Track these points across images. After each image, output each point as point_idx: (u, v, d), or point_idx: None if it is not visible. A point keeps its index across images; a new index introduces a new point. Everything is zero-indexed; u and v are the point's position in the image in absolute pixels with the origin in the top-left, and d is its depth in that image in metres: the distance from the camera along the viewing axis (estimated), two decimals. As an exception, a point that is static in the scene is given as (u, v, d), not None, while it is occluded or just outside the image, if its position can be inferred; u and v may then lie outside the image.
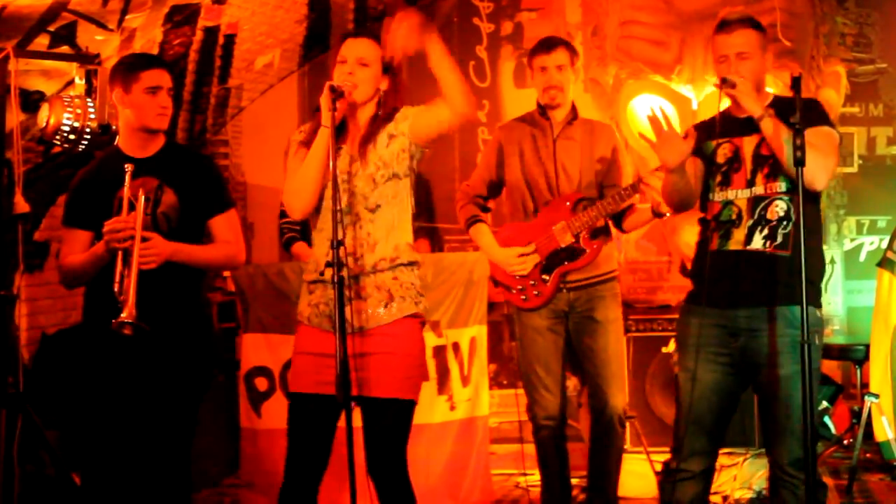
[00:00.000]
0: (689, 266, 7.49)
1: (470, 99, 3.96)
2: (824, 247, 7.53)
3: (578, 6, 7.91)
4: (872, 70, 7.55)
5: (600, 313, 5.36)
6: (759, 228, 4.19)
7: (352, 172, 3.99)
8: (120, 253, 4.31)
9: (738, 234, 4.22)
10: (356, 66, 3.99)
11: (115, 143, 4.64)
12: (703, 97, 7.40)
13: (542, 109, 5.43)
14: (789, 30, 7.31)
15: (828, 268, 7.52)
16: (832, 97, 7.44)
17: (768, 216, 4.19)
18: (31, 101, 5.57)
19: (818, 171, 4.09)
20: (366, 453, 4.00)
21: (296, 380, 4.05)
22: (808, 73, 7.30)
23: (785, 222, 4.18)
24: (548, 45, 5.41)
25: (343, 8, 7.84)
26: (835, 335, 7.47)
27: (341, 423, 3.91)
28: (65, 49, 5.83)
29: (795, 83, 4.07)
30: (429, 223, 6.68)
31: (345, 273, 3.80)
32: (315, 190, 3.97)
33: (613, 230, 5.51)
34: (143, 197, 4.39)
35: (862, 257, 7.60)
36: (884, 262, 6.31)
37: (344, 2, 7.77)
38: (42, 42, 5.90)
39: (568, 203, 5.35)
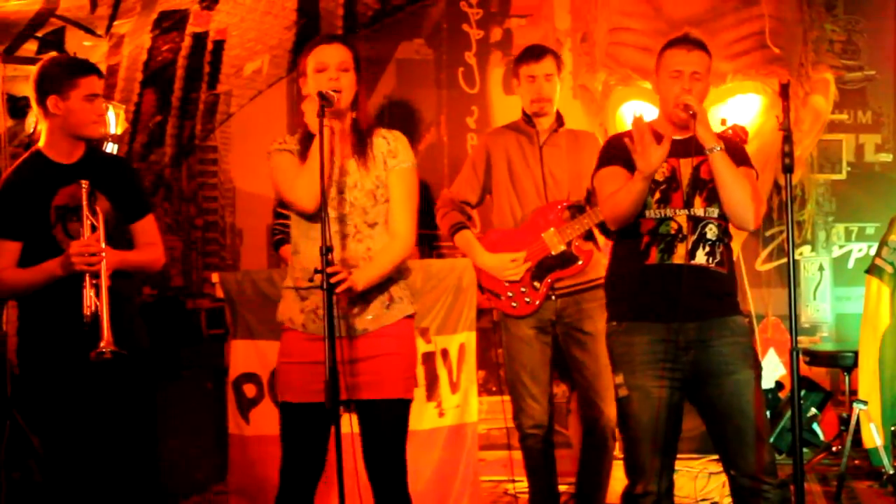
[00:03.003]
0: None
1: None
2: (813, 253, 7.56)
3: (568, 13, 7.90)
4: (861, 77, 7.57)
5: (589, 325, 5.33)
6: (702, 245, 4.24)
7: (349, 184, 3.98)
8: (87, 276, 4.26)
9: (681, 249, 4.23)
10: (339, 72, 3.97)
11: (36, 148, 4.53)
12: (691, 104, 7.40)
13: (528, 117, 5.43)
14: (778, 36, 7.31)
15: (816, 275, 7.54)
16: (821, 104, 7.45)
17: (708, 235, 4.25)
18: (19, 107, 5.57)
19: (751, 212, 4.18)
20: (366, 458, 4.01)
21: (290, 389, 4.02)
22: (797, 79, 7.30)
23: (719, 243, 4.27)
24: (536, 53, 5.41)
25: (332, 14, 7.84)
26: (823, 342, 7.47)
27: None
28: (53, 55, 5.82)
29: (784, 90, 4.09)
30: (419, 230, 6.67)
31: (342, 278, 3.80)
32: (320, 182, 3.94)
33: (601, 238, 5.49)
34: (102, 214, 4.35)
35: (850, 264, 7.60)
36: (872, 269, 6.32)
37: (333, 8, 7.77)
38: (30, 48, 5.91)
39: (557, 209, 5.33)
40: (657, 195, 4.27)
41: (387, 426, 4.01)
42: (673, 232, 4.24)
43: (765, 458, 4.18)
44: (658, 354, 4.24)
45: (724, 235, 4.29)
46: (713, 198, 4.24)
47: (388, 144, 4.04)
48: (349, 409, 4.00)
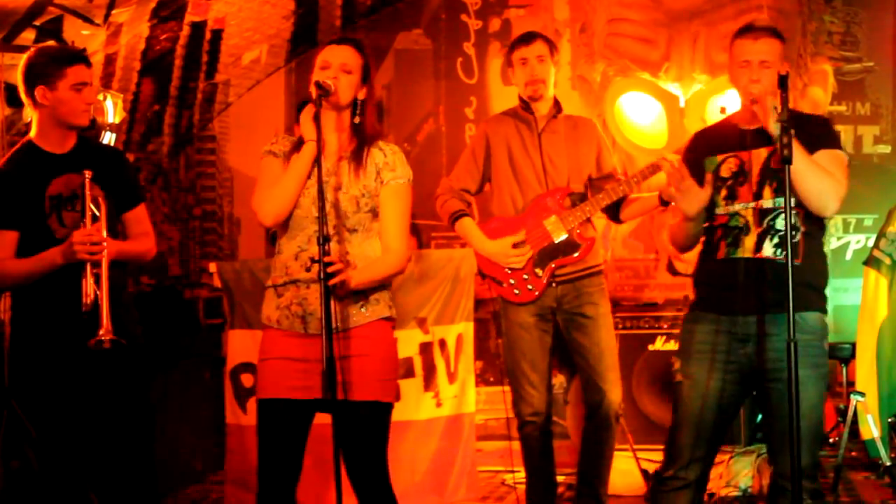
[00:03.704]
0: (675, 265, 7.56)
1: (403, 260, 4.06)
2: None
3: (566, 3, 7.94)
4: (859, 68, 7.58)
5: (590, 309, 5.33)
6: (769, 237, 4.16)
7: (333, 185, 3.96)
8: (88, 265, 4.27)
9: (748, 242, 4.17)
10: (339, 71, 3.95)
11: (28, 139, 4.53)
12: (691, 94, 7.43)
13: (526, 104, 5.42)
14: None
15: (814, 266, 7.55)
16: (819, 95, 7.46)
17: (777, 226, 4.16)
18: (17, 96, 5.56)
19: (830, 198, 4.07)
20: (344, 460, 3.91)
21: (266, 386, 3.97)
22: (796, 71, 7.32)
23: (793, 232, 4.15)
24: (526, 38, 5.42)
25: (330, 3, 7.85)
26: (821, 333, 7.48)
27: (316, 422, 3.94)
28: (51, 43, 5.83)
29: (782, 81, 4.07)
30: (415, 220, 6.69)
31: (338, 269, 3.78)
32: (291, 199, 3.94)
33: (602, 222, 5.46)
34: (104, 205, 4.36)
35: (848, 256, 7.62)
36: (870, 261, 6.32)
37: (331, -3, 7.82)
38: (28, 36, 5.92)
39: (558, 197, 5.33)
40: (724, 192, 4.23)
41: (359, 428, 3.91)
42: (741, 225, 4.20)
43: (802, 460, 4.00)
44: (716, 346, 4.20)
45: (805, 224, 4.17)
46: (784, 188, 4.11)
47: (385, 157, 4.02)
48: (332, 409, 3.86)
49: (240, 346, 6.07)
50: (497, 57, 7.99)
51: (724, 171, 4.24)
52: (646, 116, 7.61)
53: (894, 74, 7.39)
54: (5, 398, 5.01)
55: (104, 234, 4.31)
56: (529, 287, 5.31)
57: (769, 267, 4.14)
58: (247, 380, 6.05)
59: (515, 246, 5.30)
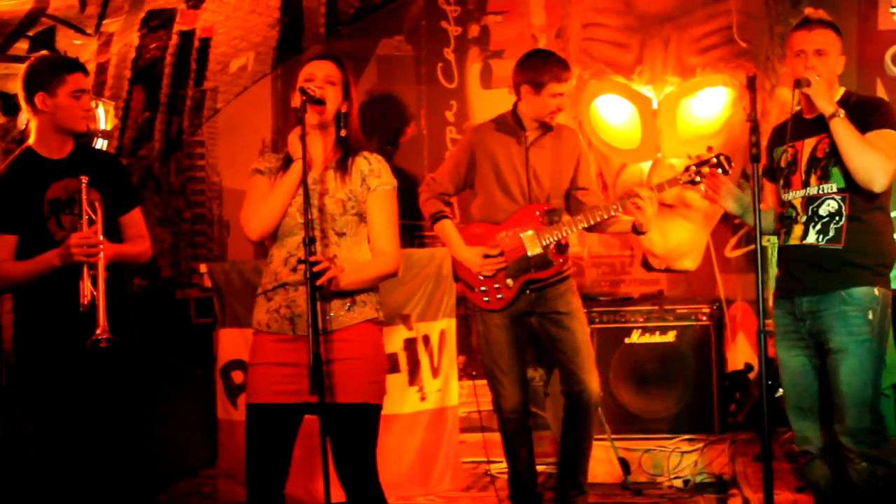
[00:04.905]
0: (649, 260, 7.69)
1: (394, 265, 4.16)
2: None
3: (542, 9, 8.00)
4: (825, 70, 7.67)
5: (563, 306, 5.43)
6: (813, 224, 4.41)
7: (318, 192, 4.05)
8: (85, 267, 4.38)
9: (797, 230, 4.45)
10: (325, 83, 4.07)
11: (27, 145, 4.65)
12: (663, 96, 7.50)
13: (518, 118, 5.45)
14: (745, 31, 7.40)
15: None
16: (787, 96, 7.55)
17: (820, 212, 4.40)
18: (12, 105, 5.63)
19: (877, 172, 4.28)
20: (334, 460, 3.97)
21: (255, 391, 4.02)
22: (764, 73, 7.40)
23: (837, 217, 4.39)
24: (565, 67, 5.40)
25: (315, 12, 7.88)
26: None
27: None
28: (44, 53, 5.91)
29: (751, 82, 4.27)
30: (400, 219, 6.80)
31: (324, 267, 3.86)
32: (277, 216, 4.03)
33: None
34: (100, 208, 4.48)
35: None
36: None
37: (315, 6, 7.83)
38: (21, 46, 5.98)
39: (538, 212, 5.38)
40: (781, 181, 4.52)
41: (347, 431, 3.97)
42: (793, 215, 4.47)
43: (849, 423, 4.33)
44: (787, 327, 4.52)
45: (851, 209, 4.37)
46: (827, 174, 4.38)
47: (370, 165, 4.12)
48: (320, 412, 3.92)
49: (230, 344, 6.17)
50: (476, 62, 8.05)
51: (782, 162, 4.51)
52: (620, 118, 7.70)
53: (858, 75, 7.47)
54: (3, 399, 5.11)
55: (100, 236, 4.43)
56: (499, 297, 5.38)
57: (812, 252, 4.40)
58: (237, 377, 6.14)
59: (485, 255, 5.37)
